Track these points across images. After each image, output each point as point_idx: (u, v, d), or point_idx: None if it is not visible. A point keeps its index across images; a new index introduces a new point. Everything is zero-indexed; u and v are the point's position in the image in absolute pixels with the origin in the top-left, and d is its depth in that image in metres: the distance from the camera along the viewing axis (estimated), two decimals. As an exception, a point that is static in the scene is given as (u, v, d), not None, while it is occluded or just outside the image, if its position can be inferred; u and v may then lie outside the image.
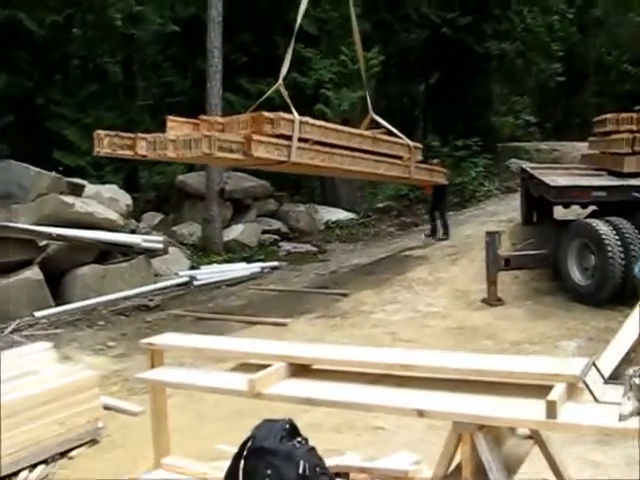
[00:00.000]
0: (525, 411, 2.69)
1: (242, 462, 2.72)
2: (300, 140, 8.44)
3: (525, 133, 23.00)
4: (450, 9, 19.00)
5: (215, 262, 13.22)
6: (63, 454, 4.82)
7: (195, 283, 11.66)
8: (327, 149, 8.95)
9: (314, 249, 14.63)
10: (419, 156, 10.98)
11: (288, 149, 8.33)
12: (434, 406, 2.83)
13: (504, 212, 14.10)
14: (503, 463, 2.87)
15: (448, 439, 2.92)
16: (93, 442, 5.04)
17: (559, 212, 10.61)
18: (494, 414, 2.70)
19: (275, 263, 13.23)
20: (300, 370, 3.42)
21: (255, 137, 7.85)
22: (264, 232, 15.23)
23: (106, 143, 7.59)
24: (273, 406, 3.78)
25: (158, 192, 16.35)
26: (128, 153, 7.87)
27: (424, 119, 23.48)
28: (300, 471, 2.60)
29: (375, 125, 10.67)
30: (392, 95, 21.99)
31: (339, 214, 16.85)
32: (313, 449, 2.77)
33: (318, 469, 2.69)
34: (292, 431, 2.76)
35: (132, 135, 7.95)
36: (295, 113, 8.51)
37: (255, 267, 12.74)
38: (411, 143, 10.66)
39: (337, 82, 15.88)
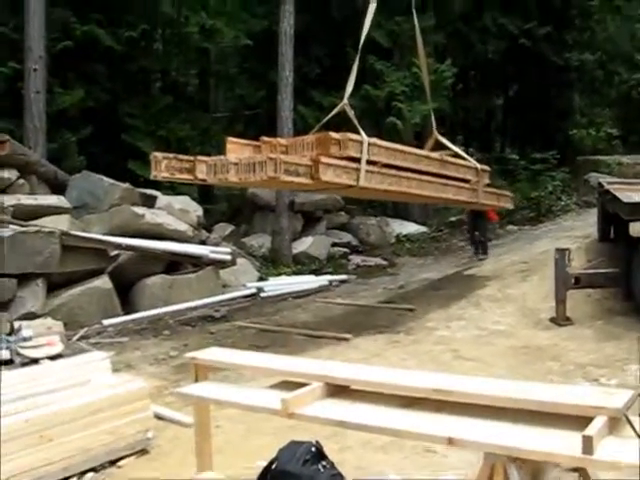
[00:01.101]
0: (561, 445, 2.55)
1: (266, 485, 2.68)
2: (368, 163, 7.92)
3: (607, 146, 22.29)
4: (528, 19, 18.63)
5: (283, 274, 13.27)
6: (112, 463, 4.87)
7: (262, 295, 11.74)
8: (394, 172, 8.44)
9: (384, 263, 14.54)
10: (486, 179, 10.54)
11: (357, 172, 7.79)
12: (465, 435, 2.72)
13: (581, 228, 13.68)
14: (541, 496, 2.74)
15: (481, 469, 2.80)
16: (142, 452, 5.09)
17: (637, 229, 10.22)
18: (526, 446, 2.57)
19: (344, 276, 13.21)
20: (337, 391, 3.35)
21: (323, 160, 7.34)
22: (334, 245, 15.22)
23: (164, 166, 7.42)
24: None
25: (230, 204, 16.55)
26: (187, 177, 7.67)
27: (502, 132, 23.09)
28: (321, 497, 2.53)
29: (439, 147, 10.27)
30: (470, 108, 21.73)
31: (410, 227, 16.71)
32: (338, 474, 2.70)
33: (342, 495, 2.62)
34: (317, 454, 2.70)
35: (191, 158, 7.73)
36: (363, 134, 7.98)
37: (323, 280, 12.73)
38: (479, 166, 10.26)
39: (409, 94, 15.75)
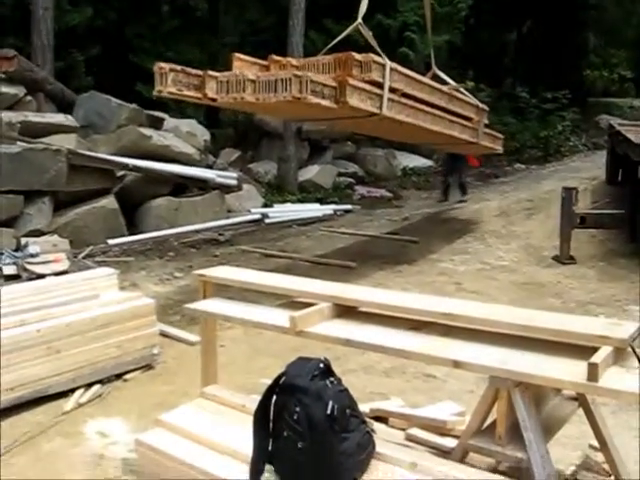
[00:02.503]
0: (566, 371, 2.59)
1: (274, 397, 2.73)
2: (389, 90, 7.22)
3: (619, 88, 21.98)
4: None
5: (289, 201, 13.28)
6: (118, 376, 4.98)
7: (267, 221, 11.80)
8: (412, 103, 7.77)
9: (389, 195, 14.53)
10: (486, 119, 9.96)
11: (380, 99, 7.07)
12: (471, 358, 2.76)
13: (588, 169, 13.66)
14: (542, 423, 2.79)
15: (484, 394, 2.86)
16: (148, 367, 5.19)
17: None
18: (532, 371, 2.61)
19: (348, 206, 13.23)
20: (345, 312, 3.39)
21: (351, 81, 6.60)
22: (340, 174, 15.17)
23: (170, 80, 6.55)
24: (328, 345, 3.80)
25: (237, 129, 16.41)
26: (195, 95, 6.81)
27: (514, 68, 22.69)
28: (328, 411, 2.58)
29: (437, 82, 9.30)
30: (482, 42, 21.30)
31: (417, 161, 16.63)
32: (345, 390, 2.75)
33: (348, 411, 2.67)
34: (325, 371, 2.74)
35: (200, 72, 6.81)
36: (384, 57, 7.23)
37: (328, 209, 12.76)
38: (479, 104, 9.75)
39: (422, 25, 15.43)
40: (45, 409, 4.50)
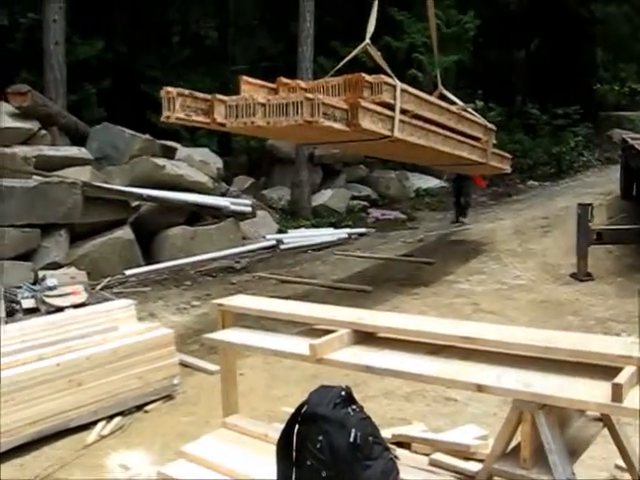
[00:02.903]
0: (589, 393, 2.57)
1: (296, 426, 2.73)
2: (400, 112, 7.09)
3: (630, 102, 21.93)
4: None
5: (303, 227, 13.29)
6: (139, 407, 4.99)
7: (282, 247, 11.80)
8: (422, 124, 7.66)
9: (403, 216, 14.51)
10: (494, 139, 9.79)
11: (391, 121, 6.93)
12: (494, 382, 2.75)
13: (603, 184, 13.61)
14: (566, 445, 2.77)
15: (508, 417, 2.84)
16: (168, 397, 5.20)
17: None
18: (556, 393, 2.59)
19: (362, 229, 13.22)
20: (364, 337, 3.39)
21: (363, 103, 6.46)
22: (353, 198, 15.19)
23: (178, 106, 6.31)
24: (346, 371, 3.79)
25: (250, 156, 16.50)
26: (203, 120, 6.61)
27: (524, 86, 22.71)
28: (351, 439, 2.58)
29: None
30: (491, 61, 21.38)
31: (430, 182, 16.62)
32: (367, 418, 2.75)
33: (371, 438, 2.67)
34: (347, 398, 2.74)
35: (208, 97, 6.61)
36: (395, 78, 7.11)
37: (342, 233, 12.76)
38: (488, 124, 9.64)
39: (430, 46, 15.53)
40: (67, 443, 4.51)
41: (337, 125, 6.33)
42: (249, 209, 11.89)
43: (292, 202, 14.37)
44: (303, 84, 7.41)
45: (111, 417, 4.81)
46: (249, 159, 16.52)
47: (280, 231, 12.76)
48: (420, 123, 7.63)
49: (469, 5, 17.03)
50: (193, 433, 4.05)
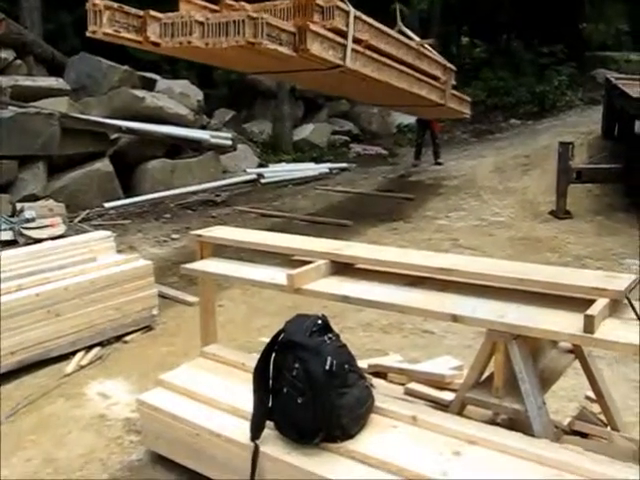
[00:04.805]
0: (562, 324, 2.61)
1: (273, 354, 2.76)
2: (353, 41, 6.73)
3: (616, 42, 21.72)
4: None
5: (284, 161, 13.24)
6: (118, 338, 5.01)
7: (263, 181, 11.77)
8: (377, 56, 7.27)
9: (384, 152, 14.48)
10: (453, 79, 9.48)
11: (343, 49, 6.57)
12: (469, 312, 2.78)
13: (585, 124, 13.58)
14: (538, 375, 2.82)
15: (482, 347, 2.89)
16: (147, 328, 5.22)
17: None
18: (529, 324, 2.63)
19: (344, 165, 13.21)
20: (342, 269, 3.40)
21: (312, 26, 6.03)
22: (334, 133, 15.11)
23: (106, 19, 5.68)
24: (326, 302, 3.82)
25: (231, 89, 16.24)
26: (135, 38, 5.96)
27: (509, 23, 22.40)
28: (327, 367, 2.61)
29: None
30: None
31: (412, 118, 16.44)
32: (344, 346, 2.78)
33: (347, 366, 2.70)
34: (323, 327, 2.76)
35: (141, 12, 5.90)
36: (348, 4, 6.71)
37: (323, 168, 12.73)
38: (447, 64, 9.30)
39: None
40: (46, 372, 4.53)
41: (283, 49, 5.90)
42: (229, 142, 11.80)
43: (273, 136, 14.26)
44: (248, 6, 6.33)
45: (90, 347, 4.83)
46: (230, 92, 16.25)
47: (261, 165, 12.69)
48: (375, 55, 7.26)
49: None
50: (172, 363, 4.08)
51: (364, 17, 7.00)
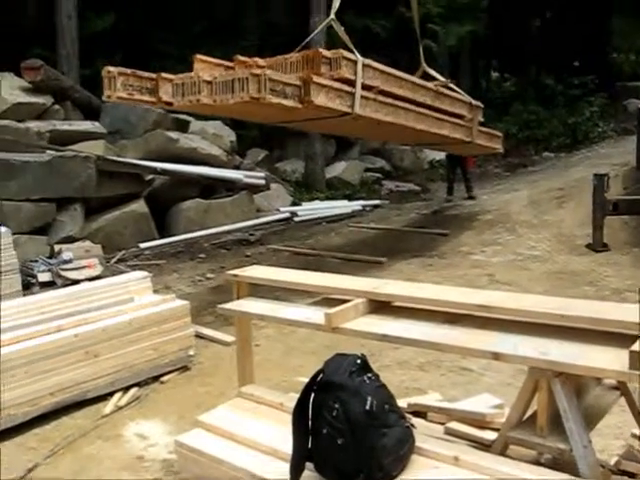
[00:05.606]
0: (607, 360, 2.55)
1: (312, 395, 2.73)
2: (363, 87, 6.90)
3: (646, 72, 21.65)
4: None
5: (317, 199, 13.30)
6: (155, 378, 5.02)
7: (296, 219, 11.82)
8: (390, 100, 7.41)
9: (417, 188, 14.49)
10: (480, 116, 9.47)
11: (351, 97, 6.76)
12: (510, 350, 2.73)
13: (618, 155, 13.44)
14: (583, 413, 2.76)
15: (525, 385, 2.84)
16: (184, 369, 5.23)
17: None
18: (573, 361, 2.58)
19: (376, 201, 13.21)
20: (379, 307, 3.38)
21: (315, 79, 6.26)
22: (367, 170, 15.16)
23: (120, 84, 6.19)
24: (362, 342, 3.80)
25: (262, 129, 16.40)
26: (149, 99, 6.47)
27: (538, 56, 22.45)
28: (367, 407, 2.58)
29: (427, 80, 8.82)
30: (505, 31, 21.11)
31: (444, 153, 16.50)
32: (383, 386, 2.75)
33: (387, 406, 2.67)
34: (363, 367, 2.74)
35: (153, 76, 6.42)
36: (357, 53, 6.91)
37: (356, 205, 12.76)
38: (473, 101, 9.29)
39: (445, 16, 15.34)
40: (84, 413, 4.55)
41: (287, 102, 6.12)
42: (263, 182, 11.89)
43: (306, 174, 14.34)
44: (261, 61, 7.01)
45: (127, 388, 4.85)
46: (262, 132, 16.42)
47: (294, 204, 12.76)
48: (388, 100, 7.40)
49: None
50: (209, 403, 4.07)
51: (374, 64, 7.16)
